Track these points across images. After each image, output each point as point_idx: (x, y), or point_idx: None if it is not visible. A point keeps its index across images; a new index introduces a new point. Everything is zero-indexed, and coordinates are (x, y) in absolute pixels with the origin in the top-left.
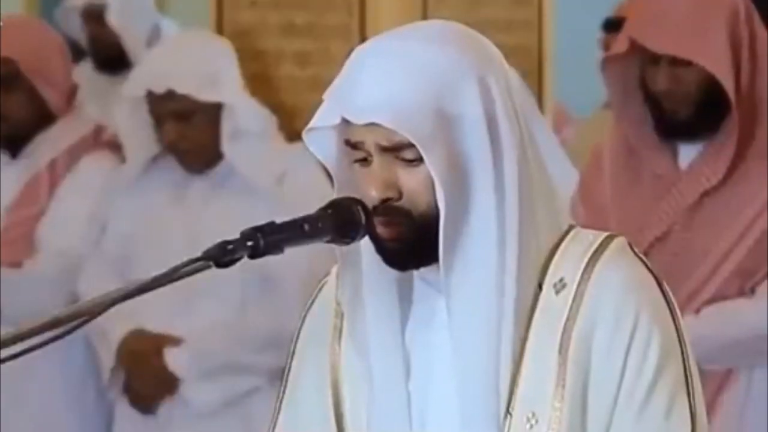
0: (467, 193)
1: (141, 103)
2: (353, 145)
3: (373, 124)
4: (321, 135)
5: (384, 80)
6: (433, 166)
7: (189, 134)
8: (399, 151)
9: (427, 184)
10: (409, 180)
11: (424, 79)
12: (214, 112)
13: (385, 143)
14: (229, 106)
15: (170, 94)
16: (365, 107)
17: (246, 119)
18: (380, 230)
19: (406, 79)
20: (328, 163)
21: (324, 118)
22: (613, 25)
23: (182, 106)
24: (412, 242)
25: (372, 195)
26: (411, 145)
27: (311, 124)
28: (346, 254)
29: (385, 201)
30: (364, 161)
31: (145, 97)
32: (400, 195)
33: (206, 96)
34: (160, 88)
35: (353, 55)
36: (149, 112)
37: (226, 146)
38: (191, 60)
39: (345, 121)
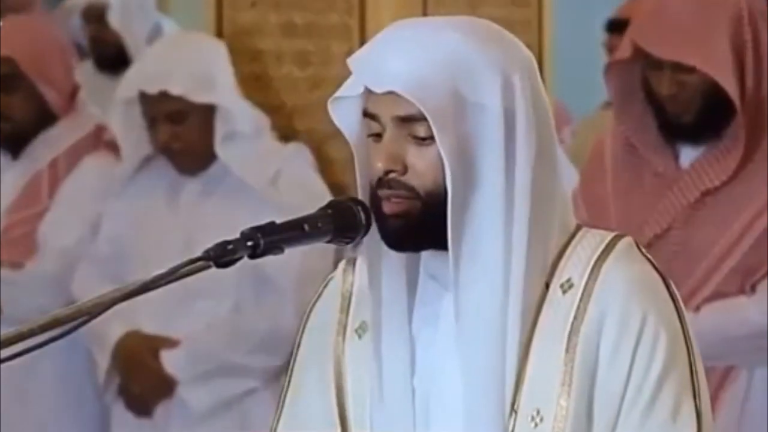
0: (476, 181)
1: (134, 104)
2: (371, 116)
3: (391, 94)
4: (345, 106)
5: (408, 56)
6: (442, 143)
7: (182, 135)
8: (412, 124)
9: (434, 165)
10: (417, 158)
11: (448, 63)
12: (207, 113)
13: (399, 113)
14: (222, 108)
15: (163, 96)
16: (387, 76)
17: (239, 120)
18: (384, 205)
19: (429, 58)
20: (348, 135)
21: (348, 88)
22: (615, 26)
23: (175, 108)
24: (415, 220)
25: (378, 166)
26: (424, 120)
27: (337, 93)
28: (369, 249)
29: (389, 173)
30: (379, 137)
31: (138, 98)
32: (405, 170)
33: (199, 97)
34: (153, 90)
35: (383, 31)
36: (142, 114)
37: (220, 147)
38: (184, 61)
39: (367, 93)
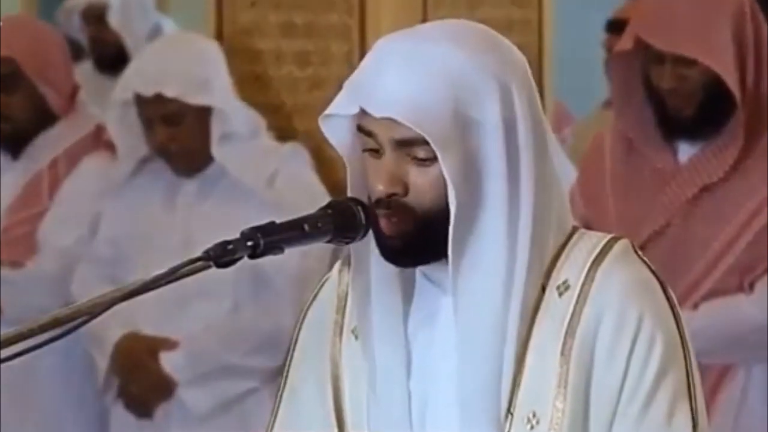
0: (479, 196)
1: (130, 105)
2: (367, 133)
3: (390, 119)
4: (337, 122)
5: (405, 78)
6: (446, 166)
7: (178, 137)
8: (412, 147)
9: (436, 185)
10: (419, 179)
11: (445, 81)
12: (203, 114)
13: (399, 137)
14: (218, 109)
15: (158, 98)
16: (385, 101)
17: (235, 121)
18: (383, 224)
19: (426, 79)
20: (341, 151)
21: (342, 107)
22: (616, 26)
23: (171, 110)
24: (413, 240)
25: (379, 189)
26: (424, 143)
27: (328, 110)
28: (357, 250)
29: (390, 196)
30: (376, 152)
31: (133, 100)
32: (406, 192)
33: (195, 99)
34: (148, 92)
35: (377, 47)
36: (138, 115)
37: (216, 149)
38: (179, 63)
39: (362, 110)
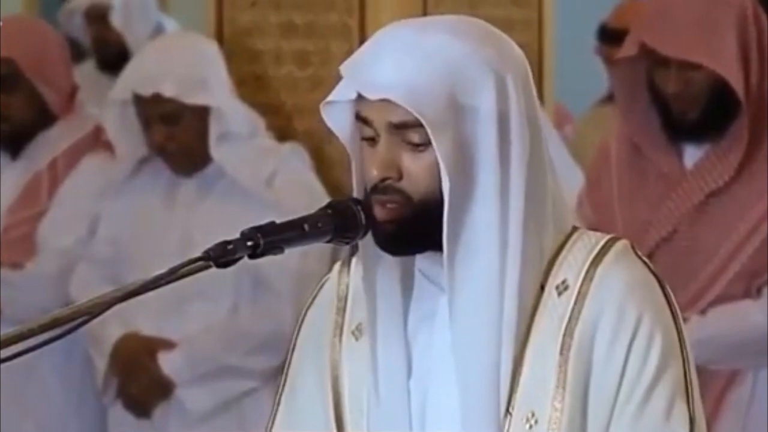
0: (471, 185)
1: (129, 105)
2: (363, 120)
3: (385, 101)
4: (337, 109)
5: (401, 62)
6: (439, 150)
7: (177, 136)
8: (406, 131)
9: (429, 171)
10: (413, 164)
11: (441, 67)
12: (201, 114)
13: (393, 119)
14: (216, 109)
15: (157, 98)
16: (380, 84)
17: (234, 121)
18: (376, 210)
19: (423, 64)
20: (342, 137)
21: (340, 93)
22: (607, 35)
23: (169, 109)
24: (408, 225)
25: (373, 174)
26: (419, 126)
27: (329, 98)
28: (364, 250)
29: (384, 180)
30: (372, 141)
31: (132, 100)
32: (400, 177)
33: (194, 99)
34: (146, 92)
35: (376, 35)
36: (137, 115)
37: (215, 148)
38: (178, 63)
39: (360, 97)
